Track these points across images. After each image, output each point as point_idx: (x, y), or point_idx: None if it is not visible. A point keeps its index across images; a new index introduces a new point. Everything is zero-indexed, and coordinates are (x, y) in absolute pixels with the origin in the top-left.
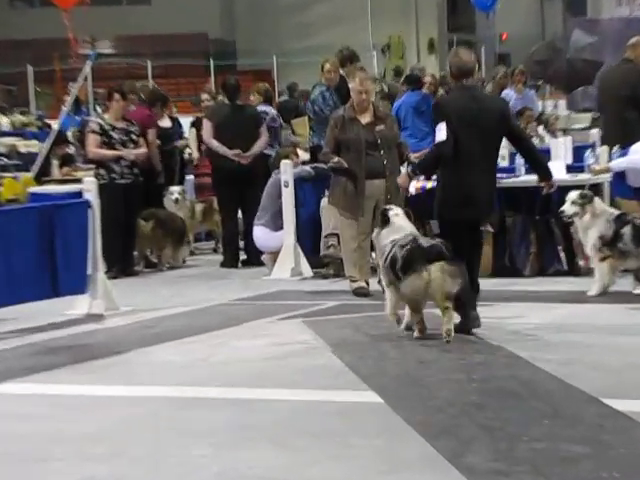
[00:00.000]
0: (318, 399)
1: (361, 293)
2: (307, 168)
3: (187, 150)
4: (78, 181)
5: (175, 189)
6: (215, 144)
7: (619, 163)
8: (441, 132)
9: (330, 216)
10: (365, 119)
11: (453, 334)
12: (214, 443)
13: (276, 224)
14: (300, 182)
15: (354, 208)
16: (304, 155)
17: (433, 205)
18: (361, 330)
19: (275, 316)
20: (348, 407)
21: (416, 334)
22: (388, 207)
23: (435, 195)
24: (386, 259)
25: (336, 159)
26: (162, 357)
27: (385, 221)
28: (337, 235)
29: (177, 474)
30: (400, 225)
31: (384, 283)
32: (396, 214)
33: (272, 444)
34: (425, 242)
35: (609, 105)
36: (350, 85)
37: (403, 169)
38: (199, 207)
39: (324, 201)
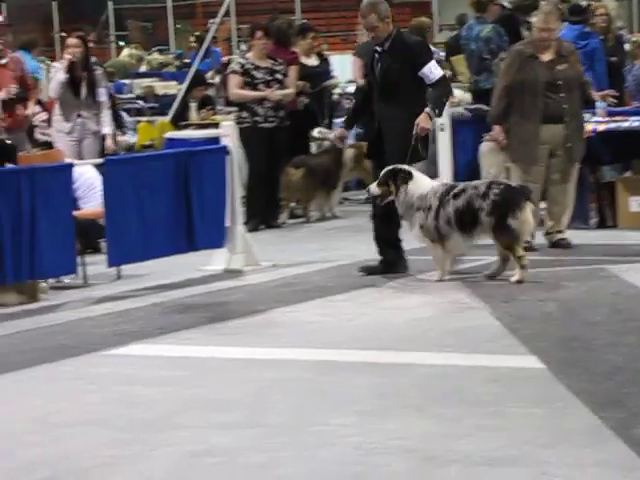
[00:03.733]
0: (472, 364)
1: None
2: (464, 110)
3: (336, 91)
4: (217, 125)
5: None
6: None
7: None
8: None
9: (491, 163)
10: (546, 57)
11: None
12: (356, 411)
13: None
14: (457, 125)
15: (527, 156)
16: (463, 95)
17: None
18: (522, 288)
19: (426, 273)
20: (505, 373)
21: (515, 277)
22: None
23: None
24: (436, 215)
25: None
26: (305, 317)
27: (407, 177)
28: None
29: (315, 445)
30: (422, 178)
31: (428, 240)
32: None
33: (419, 413)
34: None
35: None
36: (533, 20)
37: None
38: (349, 153)
39: (483, 145)
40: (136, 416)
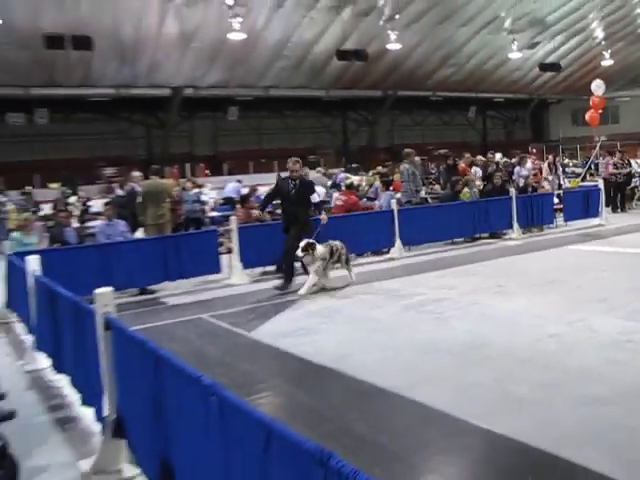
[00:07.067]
0: None
1: None
2: None
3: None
4: (596, 181)
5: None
6: None
7: None
8: None
9: None
10: None
11: None
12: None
13: None
14: None
15: None
16: None
17: None
18: None
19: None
20: None
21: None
22: None
23: None
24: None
25: None
26: (620, 239)
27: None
28: None
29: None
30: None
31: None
32: None
33: None
34: None
35: None
36: None
37: None
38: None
39: None
40: (556, 276)
